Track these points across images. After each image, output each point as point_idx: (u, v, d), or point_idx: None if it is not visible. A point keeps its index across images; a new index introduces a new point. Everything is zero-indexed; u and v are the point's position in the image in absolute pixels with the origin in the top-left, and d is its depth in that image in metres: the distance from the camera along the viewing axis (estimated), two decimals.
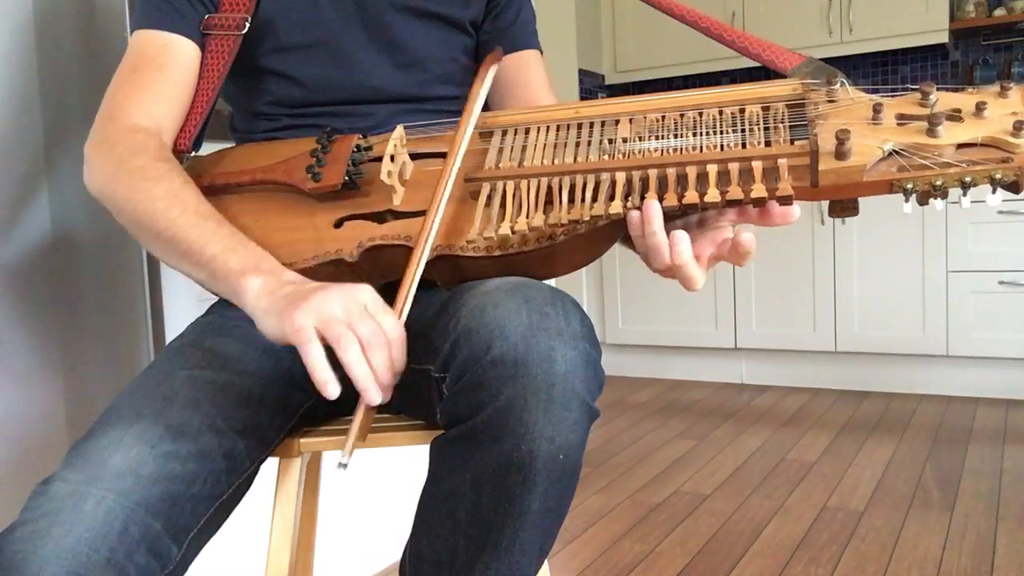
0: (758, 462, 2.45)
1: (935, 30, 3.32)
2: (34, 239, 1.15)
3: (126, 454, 0.71)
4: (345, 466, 0.68)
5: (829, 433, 2.72)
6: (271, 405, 0.85)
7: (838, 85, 0.76)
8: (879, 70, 3.70)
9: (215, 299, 0.99)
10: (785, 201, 0.71)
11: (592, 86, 3.93)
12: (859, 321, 3.24)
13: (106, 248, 1.24)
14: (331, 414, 0.99)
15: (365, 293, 0.72)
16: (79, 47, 1.21)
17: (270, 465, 0.92)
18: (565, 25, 3.71)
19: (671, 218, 0.74)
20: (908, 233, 3.14)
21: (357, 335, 0.69)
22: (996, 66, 3.50)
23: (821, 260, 3.29)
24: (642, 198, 0.73)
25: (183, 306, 1.32)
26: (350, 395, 0.98)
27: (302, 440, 0.91)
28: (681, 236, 0.72)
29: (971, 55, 3.58)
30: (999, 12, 3.38)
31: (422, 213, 0.84)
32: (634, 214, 0.73)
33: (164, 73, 0.92)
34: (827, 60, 3.73)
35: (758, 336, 3.42)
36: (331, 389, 0.68)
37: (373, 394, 0.69)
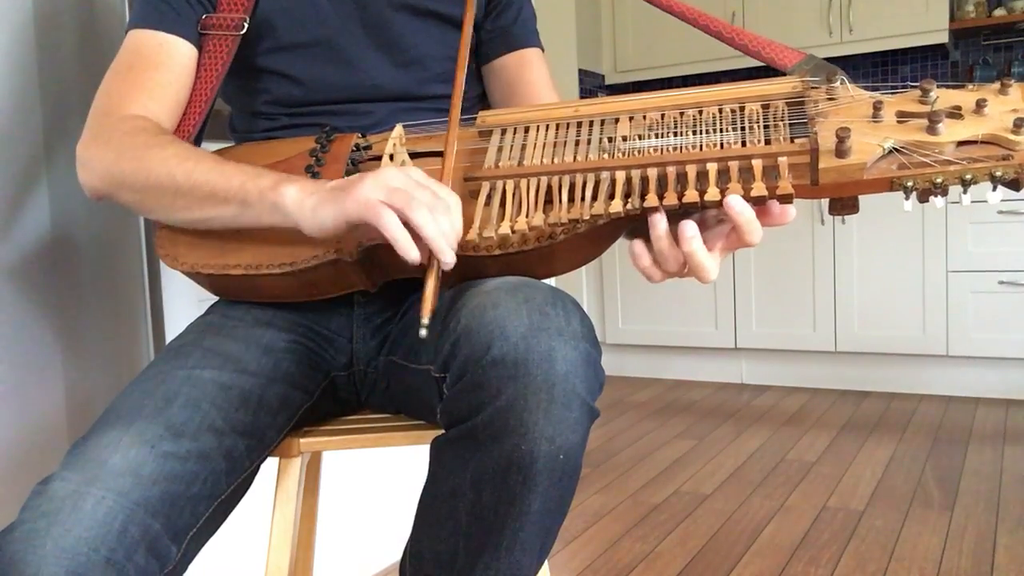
0: (758, 462, 2.45)
1: (935, 30, 3.32)
2: (34, 239, 1.15)
3: (126, 454, 0.71)
4: (427, 329, 0.70)
5: (829, 433, 2.72)
6: (271, 405, 0.85)
7: (838, 83, 0.76)
8: (879, 70, 3.70)
9: (215, 299, 0.99)
10: (785, 199, 0.70)
11: (592, 86, 3.93)
12: (859, 321, 3.24)
13: (106, 248, 1.24)
14: (331, 414, 0.99)
15: (415, 170, 0.75)
16: (79, 47, 1.20)
17: (270, 465, 0.92)
18: (565, 25, 3.71)
19: (672, 219, 0.74)
20: (908, 233, 3.14)
21: (420, 199, 0.71)
22: (996, 66, 3.50)
23: (821, 260, 3.29)
24: (642, 197, 0.73)
25: (183, 306, 1.32)
26: (350, 396, 0.98)
27: (302, 440, 0.91)
28: (688, 223, 0.71)
29: (971, 55, 3.58)
30: (999, 12, 3.38)
31: None
32: (657, 216, 0.72)
33: (160, 72, 0.92)
34: (827, 60, 3.73)
35: (758, 336, 3.42)
36: (414, 254, 0.71)
37: (448, 253, 0.71)
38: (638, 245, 0.74)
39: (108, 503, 0.67)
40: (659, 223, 0.72)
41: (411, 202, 0.71)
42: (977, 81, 3.49)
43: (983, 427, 2.72)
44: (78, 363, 1.21)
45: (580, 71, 3.79)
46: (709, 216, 0.74)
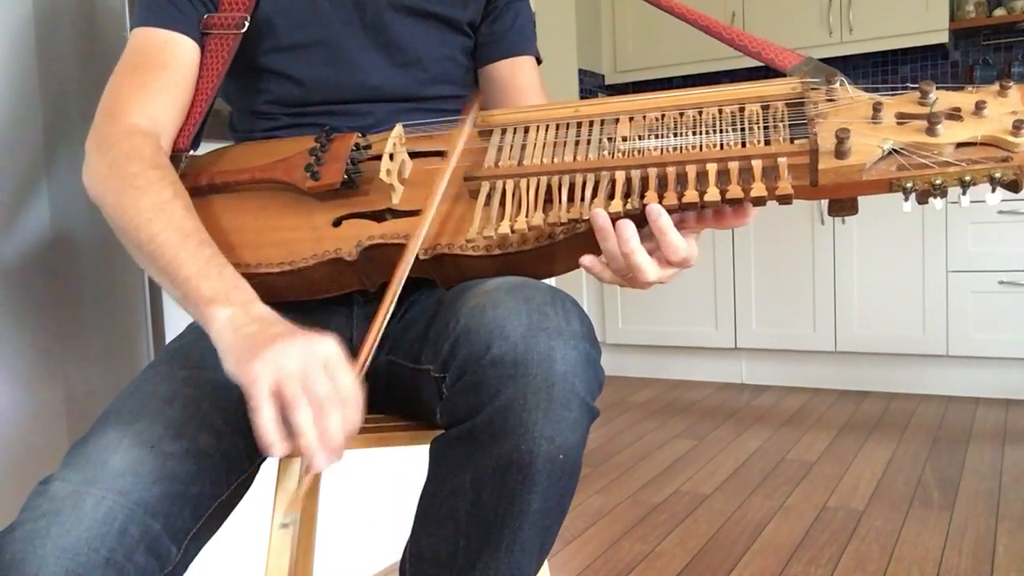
0: (758, 462, 2.45)
1: (935, 30, 3.32)
2: (34, 239, 1.15)
3: (125, 454, 0.71)
4: (287, 527, 0.65)
5: (829, 433, 2.72)
6: None
7: (837, 84, 0.76)
8: (879, 70, 3.70)
9: None
10: (785, 200, 0.71)
11: (592, 86, 3.93)
12: (859, 321, 3.24)
13: (106, 248, 1.24)
14: None
15: (327, 347, 0.69)
16: (79, 47, 1.20)
17: (270, 465, 0.92)
18: (565, 25, 3.71)
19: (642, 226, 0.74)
20: (908, 233, 3.14)
21: (312, 394, 0.66)
22: (996, 66, 3.50)
23: (821, 260, 3.29)
24: (641, 197, 0.73)
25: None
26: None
27: None
28: (627, 223, 0.72)
29: (971, 55, 3.58)
30: (999, 12, 3.38)
31: (421, 212, 0.83)
32: (598, 213, 0.72)
33: (165, 72, 0.92)
34: (827, 60, 3.73)
35: (758, 336, 3.42)
36: (275, 451, 0.65)
37: (319, 459, 0.65)
38: (587, 259, 0.76)
39: (108, 503, 0.67)
40: (627, 233, 0.72)
41: (295, 400, 0.65)
42: (977, 81, 3.49)
43: (983, 427, 2.72)
44: (78, 363, 1.21)
45: (580, 71, 3.79)
46: (687, 218, 0.75)
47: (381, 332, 0.75)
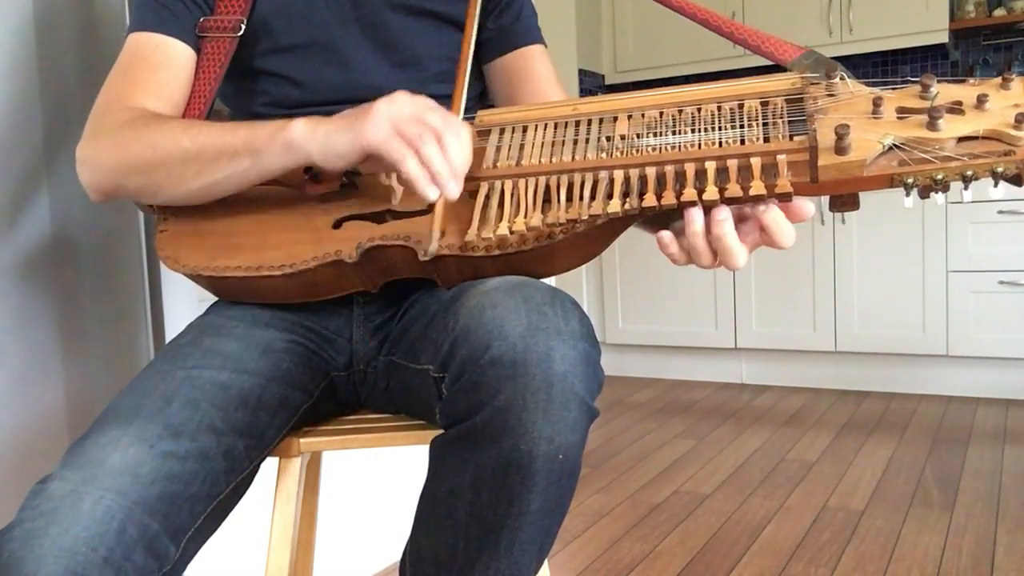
0: (758, 462, 2.45)
1: (935, 30, 3.32)
2: (34, 239, 1.15)
3: (124, 453, 0.71)
4: (429, 255, 0.75)
5: (829, 433, 2.72)
6: (270, 405, 0.85)
7: (838, 78, 0.75)
8: (879, 70, 3.70)
9: (215, 299, 0.99)
10: (784, 198, 0.70)
11: (592, 86, 3.93)
12: (859, 321, 3.24)
13: (106, 248, 1.24)
14: (330, 414, 0.99)
15: (423, 97, 0.77)
16: (79, 47, 1.21)
17: (270, 465, 0.92)
18: (565, 25, 3.71)
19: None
20: (908, 233, 3.13)
21: (432, 127, 0.73)
22: (996, 66, 3.50)
23: (821, 260, 3.28)
24: (640, 197, 0.73)
25: (183, 306, 1.32)
26: (350, 396, 0.98)
27: (302, 440, 0.91)
28: (722, 208, 0.71)
29: (971, 55, 3.58)
30: (999, 12, 3.38)
31: (421, 213, 0.83)
32: (694, 212, 0.71)
33: (157, 72, 0.92)
34: None
35: (758, 336, 3.42)
36: (432, 194, 0.73)
37: (453, 186, 0.74)
38: (666, 236, 0.74)
39: (106, 503, 0.67)
40: (696, 219, 0.71)
41: (422, 136, 0.73)
42: None
43: (983, 427, 2.72)
44: (78, 363, 1.21)
45: (580, 71, 3.79)
46: (746, 209, 0.73)
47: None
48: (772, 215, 0.70)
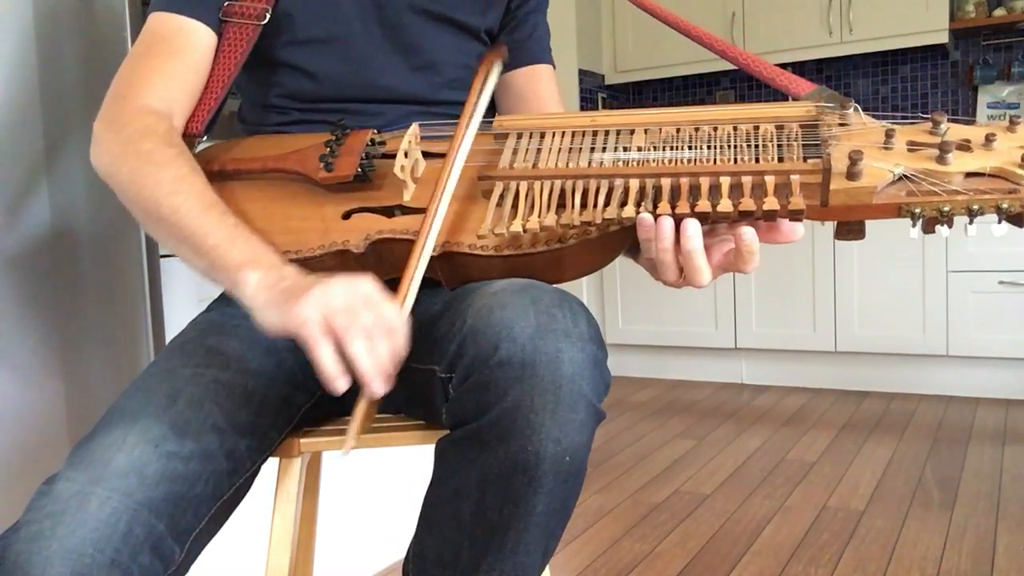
0: (758, 462, 2.45)
1: (935, 30, 3.32)
2: (34, 238, 1.15)
3: (130, 453, 0.70)
4: (344, 453, 0.70)
5: (829, 433, 2.72)
6: (273, 405, 0.85)
7: (851, 110, 0.78)
8: (879, 70, 3.70)
9: (215, 298, 0.99)
10: (796, 216, 0.71)
11: (592, 86, 3.93)
12: (859, 321, 3.24)
13: (106, 246, 1.24)
14: (332, 414, 0.98)
15: (365, 284, 0.72)
16: (79, 47, 1.20)
17: (270, 465, 0.92)
18: (565, 25, 3.71)
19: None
20: (908, 233, 3.13)
21: (361, 325, 0.69)
22: (996, 66, 3.50)
23: (821, 260, 3.29)
24: (655, 206, 0.73)
25: (183, 305, 1.31)
26: (352, 396, 0.98)
27: (302, 440, 0.90)
28: (691, 222, 0.72)
29: (971, 55, 3.58)
30: (999, 12, 3.38)
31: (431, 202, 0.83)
32: (645, 217, 0.73)
33: (178, 56, 0.91)
34: (827, 60, 3.73)
35: (758, 336, 3.42)
36: (340, 385, 0.69)
37: (378, 385, 0.69)
38: (644, 260, 0.77)
39: (113, 503, 0.67)
40: (666, 232, 0.72)
41: (350, 328, 0.68)
42: (977, 81, 3.50)
43: (983, 427, 2.72)
44: (78, 363, 1.21)
45: (580, 71, 3.79)
46: (719, 228, 0.75)
47: (420, 273, 0.77)
48: (748, 237, 0.71)
